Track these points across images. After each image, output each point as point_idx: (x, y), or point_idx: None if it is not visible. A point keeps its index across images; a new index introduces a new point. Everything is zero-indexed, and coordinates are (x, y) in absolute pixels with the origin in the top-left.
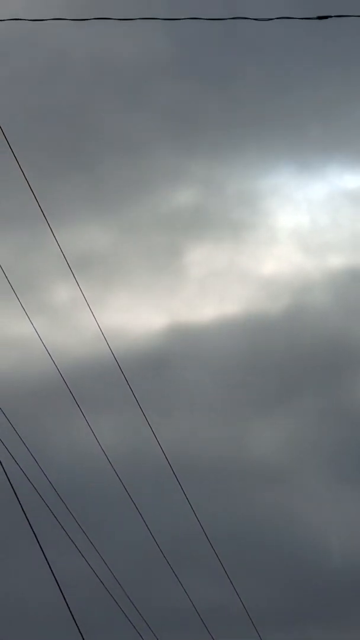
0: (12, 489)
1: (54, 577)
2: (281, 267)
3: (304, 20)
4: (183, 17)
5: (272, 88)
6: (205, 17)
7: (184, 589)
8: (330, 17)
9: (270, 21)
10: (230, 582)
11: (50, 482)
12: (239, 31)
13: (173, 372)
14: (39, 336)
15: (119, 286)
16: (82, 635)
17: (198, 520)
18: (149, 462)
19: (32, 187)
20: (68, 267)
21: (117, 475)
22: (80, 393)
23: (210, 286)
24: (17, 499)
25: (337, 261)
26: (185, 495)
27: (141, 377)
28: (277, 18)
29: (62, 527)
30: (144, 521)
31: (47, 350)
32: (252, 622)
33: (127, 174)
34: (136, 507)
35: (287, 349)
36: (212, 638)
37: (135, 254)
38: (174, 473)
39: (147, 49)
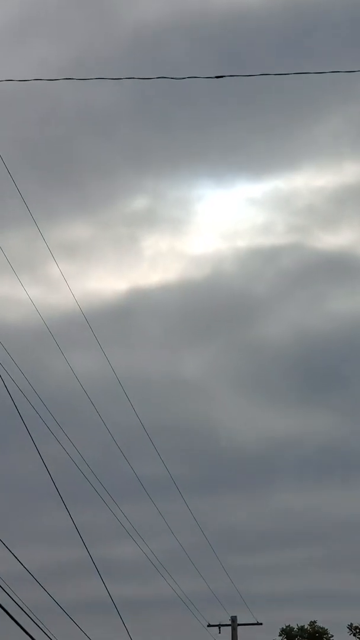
0: (12, 402)
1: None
2: (204, 248)
3: (207, 79)
4: (90, 77)
5: (199, 127)
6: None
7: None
8: (225, 76)
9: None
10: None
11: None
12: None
13: (132, 321)
14: (32, 300)
15: (96, 264)
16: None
17: (137, 417)
18: (113, 379)
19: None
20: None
21: (86, 391)
22: (66, 335)
23: (158, 263)
24: (15, 407)
25: (243, 244)
26: (129, 401)
27: (110, 323)
28: (187, 77)
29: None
30: (102, 419)
31: (36, 309)
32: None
33: (101, 187)
34: (97, 411)
35: (209, 305)
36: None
37: (107, 241)
38: (122, 387)
39: (114, 97)
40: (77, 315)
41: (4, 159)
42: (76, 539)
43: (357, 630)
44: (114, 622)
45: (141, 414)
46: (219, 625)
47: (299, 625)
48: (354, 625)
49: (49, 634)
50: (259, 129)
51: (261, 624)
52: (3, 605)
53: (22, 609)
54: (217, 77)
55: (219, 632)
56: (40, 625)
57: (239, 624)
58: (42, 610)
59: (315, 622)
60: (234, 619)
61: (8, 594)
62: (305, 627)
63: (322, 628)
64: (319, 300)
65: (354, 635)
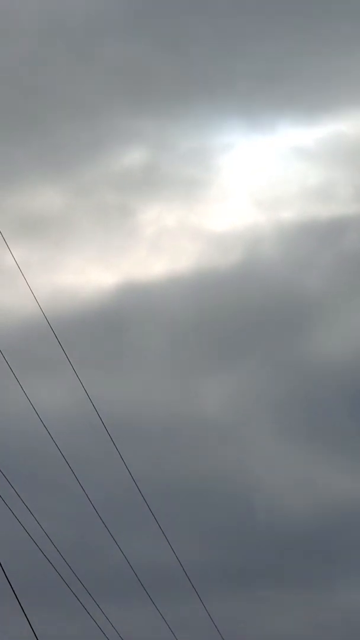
0: None
1: None
2: (232, 222)
3: None
4: None
5: (223, 45)
6: None
7: (122, 552)
8: None
9: None
10: (169, 544)
11: None
12: None
13: (124, 331)
14: None
15: (71, 248)
16: (19, 602)
17: (131, 476)
18: (95, 419)
19: None
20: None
21: (52, 438)
22: (25, 353)
23: (162, 244)
24: None
25: (287, 215)
26: (121, 457)
27: (91, 336)
28: None
29: None
30: (78, 480)
31: None
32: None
33: (78, 135)
34: (75, 476)
35: (237, 305)
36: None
37: (88, 215)
38: (109, 435)
39: (99, 6)
40: (42, 323)
41: None
42: None
43: None
44: None
45: (136, 472)
46: None
47: None
48: None
49: None
50: (312, 50)
51: None
52: None
53: None
54: None
55: None
56: None
57: None
58: None
59: None
60: None
61: None
62: None
63: None
64: None
65: None
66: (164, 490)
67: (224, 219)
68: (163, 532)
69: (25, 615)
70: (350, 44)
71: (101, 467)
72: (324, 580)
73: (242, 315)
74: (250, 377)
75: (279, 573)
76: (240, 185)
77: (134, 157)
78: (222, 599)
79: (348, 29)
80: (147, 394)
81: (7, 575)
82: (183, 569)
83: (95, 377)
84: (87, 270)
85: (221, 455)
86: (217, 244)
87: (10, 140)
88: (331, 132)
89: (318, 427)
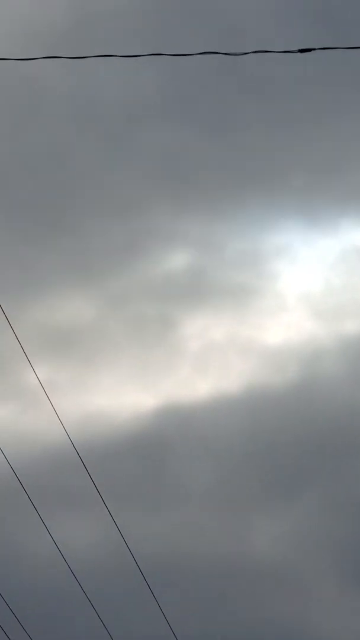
0: None
1: None
2: (289, 336)
3: (283, 53)
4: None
5: (277, 134)
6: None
7: None
8: (313, 49)
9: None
10: None
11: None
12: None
13: (165, 461)
14: None
15: (105, 364)
16: None
17: (170, 629)
18: (128, 565)
19: None
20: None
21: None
22: (48, 488)
23: (208, 361)
24: None
25: (352, 327)
26: (159, 606)
27: (129, 466)
28: (254, 52)
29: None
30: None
31: None
32: None
33: (113, 236)
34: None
35: (295, 430)
36: None
37: (123, 327)
38: (145, 581)
39: (135, 89)
40: (69, 452)
41: None
42: None
43: None
44: None
45: (177, 624)
46: None
47: None
48: None
49: None
50: None
51: None
52: None
53: None
54: (301, 51)
55: None
56: None
57: None
58: None
59: None
60: None
61: None
62: None
63: None
64: None
65: None
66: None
67: (279, 332)
68: None
69: None
70: None
71: (137, 618)
72: None
73: (300, 442)
74: (310, 513)
75: None
76: (297, 292)
77: (176, 261)
78: None
79: None
80: (190, 533)
81: None
82: None
83: (131, 514)
84: (122, 391)
85: (277, 603)
86: (271, 360)
87: (35, 242)
88: None
89: None
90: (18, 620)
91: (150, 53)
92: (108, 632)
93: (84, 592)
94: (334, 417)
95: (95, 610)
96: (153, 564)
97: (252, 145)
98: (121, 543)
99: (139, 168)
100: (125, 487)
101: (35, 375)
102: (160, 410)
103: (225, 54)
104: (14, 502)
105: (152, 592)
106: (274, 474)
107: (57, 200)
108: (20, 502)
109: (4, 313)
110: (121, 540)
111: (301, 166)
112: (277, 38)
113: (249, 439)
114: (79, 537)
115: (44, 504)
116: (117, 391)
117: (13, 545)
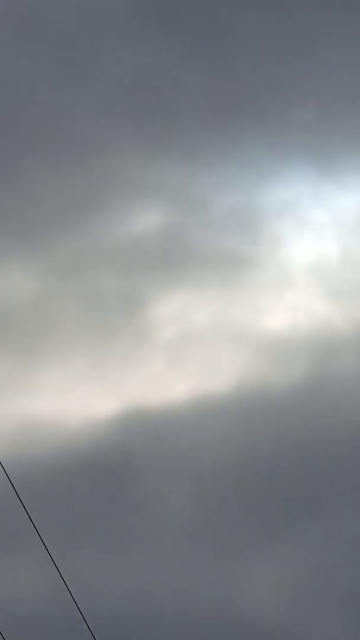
0: None
1: None
2: (295, 321)
3: None
4: None
5: (280, 50)
6: None
7: None
8: None
9: None
10: None
11: None
12: None
13: (129, 483)
14: None
15: (50, 356)
16: None
17: None
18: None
19: None
20: None
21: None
22: None
23: (187, 354)
24: None
25: None
26: None
27: (81, 490)
28: None
29: None
30: None
31: None
32: None
33: (63, 188)
34: None
35: (301, 444)
36: None
37: (75, 307)
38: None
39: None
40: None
41: None
42: None
43: None
44: None
45: None
46: None
47: None
48: None
49: None
50: None
51: None
52: None
53: None
54: None
55: None
56: None
57: None
58: None
59: None
60: None
61: None
62: None
63: None
64: None
65: None
66: None
67: (282, 316)
68: None
69: None
70: None
71: None
72: None
73: (307, 459)
74: (317, 553)
75: None
76: (305, 264)
77: (145, 221)
78: None
79: None
80: (160, 578)
81: None
82: None
83: (83, 558)
84: (73, 391)
85: None
86: (271, 352)
87: None
88: None
89: None
90: None
91: None
92: None
93: None
94: (350, 426)
95: None
96: (112, 620)
97: (248, 68)
98: (67, 595)
99: (97, 96)
100: (75, 519)
101: None
102: (123, 417)
103: None
104: None
105: None
106: (272, 502)
107: None
108: None
109: None
110: (67, 591)
111: (311, 97)
112: None
113: (239, 456)
114: (11, 587)
115: None
116: (67, 392)
117: None
